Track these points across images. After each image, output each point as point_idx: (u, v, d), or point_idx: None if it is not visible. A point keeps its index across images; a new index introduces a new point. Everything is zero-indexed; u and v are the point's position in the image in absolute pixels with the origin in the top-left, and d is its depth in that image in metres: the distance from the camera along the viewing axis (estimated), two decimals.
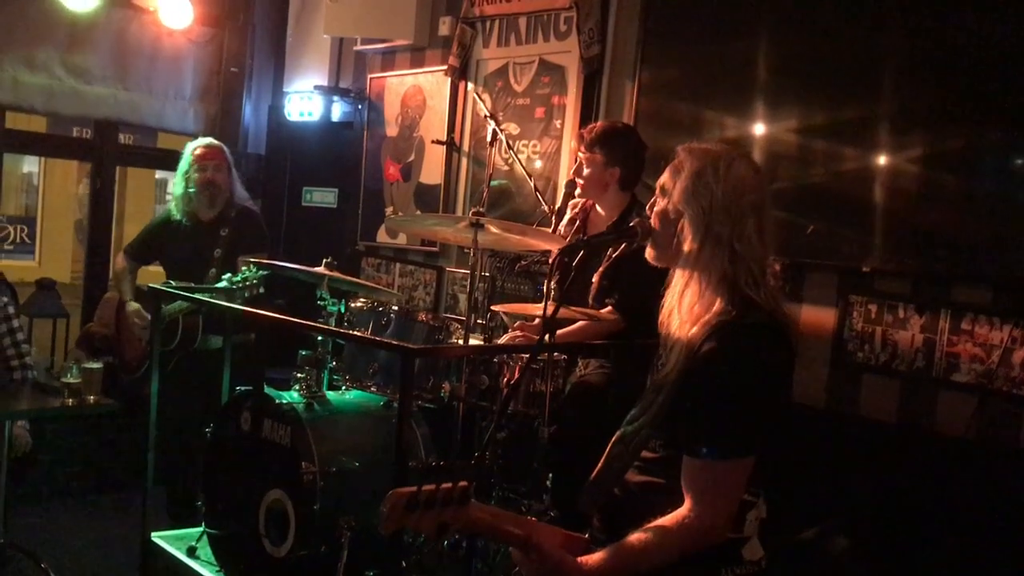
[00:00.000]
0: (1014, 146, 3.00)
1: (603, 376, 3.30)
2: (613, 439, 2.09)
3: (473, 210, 3.02)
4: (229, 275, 4.04)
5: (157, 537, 3.73)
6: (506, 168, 4.61)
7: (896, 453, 3.18)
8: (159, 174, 14.47)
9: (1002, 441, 2.97)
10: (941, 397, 3.13)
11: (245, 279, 3.92)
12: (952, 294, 3.12)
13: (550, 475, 2.98)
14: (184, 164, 4.61)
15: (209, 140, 4.73)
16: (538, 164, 4.49)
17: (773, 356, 1.94)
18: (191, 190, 4.55)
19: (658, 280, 3.68)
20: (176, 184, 4.65)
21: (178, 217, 4.63)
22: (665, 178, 2.10)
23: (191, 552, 3.55)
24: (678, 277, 2.07)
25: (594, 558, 1.90)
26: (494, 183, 4.51)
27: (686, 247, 2.01)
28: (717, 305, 1.95)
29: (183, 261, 4.59)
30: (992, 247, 3.01)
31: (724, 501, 1.90)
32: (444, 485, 1.70)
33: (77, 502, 4.98)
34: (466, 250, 3.67)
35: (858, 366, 3.33)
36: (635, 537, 1.90)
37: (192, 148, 4.64)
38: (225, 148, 4.72)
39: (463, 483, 1.74)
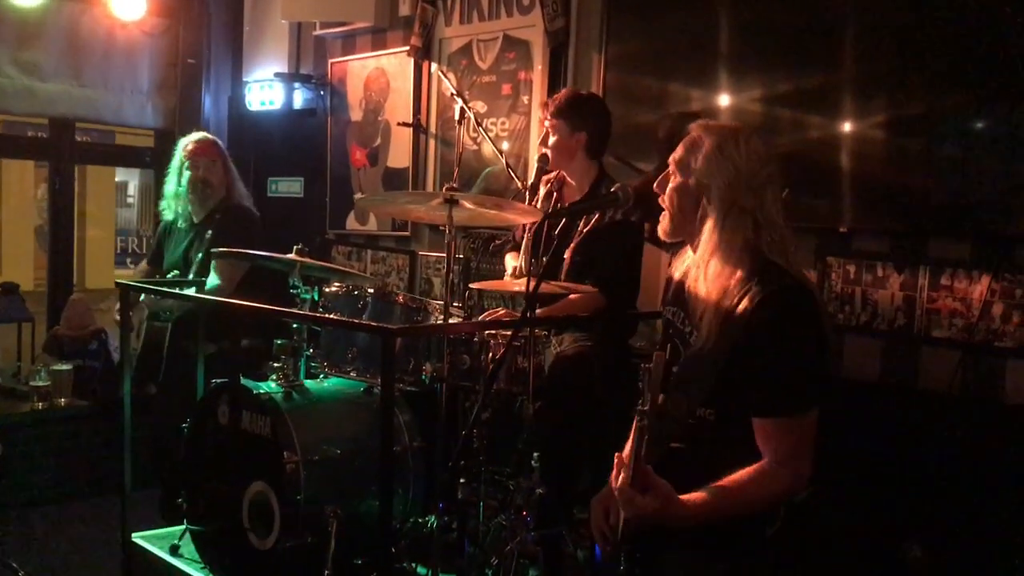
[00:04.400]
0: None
1: (582, 349, 3.28)
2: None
3: (447, 185, 2.97)
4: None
5: (138, 538, 3.66)
6: (475, 148, 4.56)
7: (880, 412, 3.18)
8: (119, 175, 14.24)
9: (986, 394, 2.98)
10: (923, 354, 3.14)
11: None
12: (929, 249, 3.12)
13: (535, 453, 2.94)
14: (175, 161, 4.40)
15: (202, 135, 4.51)
16: (506, 143, 4.44)
17: (821, 312, 2.09)
18: (181, 189, 4.35)
19: (637, 252, 3.63)
20: (167, 181, 4.43)
21: (170, 218, 4.43)
22: (681, 154, 2.18)
23: (174, 551, 3.48)
24: (702, 249, 2.13)
25: (694, 496, 1.96)
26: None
27: (711, 219, 2.10)
28: (740, 272, 2.05)
29: (172, 266, 4.37)
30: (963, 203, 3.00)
31: (809, 453, 2.03)
32: None
33: (54, 509, 4.87)
34: (441, 228, 3.62)
35: (839, 327, 3.33)
36: (731, 480, 1.98)
37: (184, 144, 4.42)
38: (219, 143, 4.50)
39: None
